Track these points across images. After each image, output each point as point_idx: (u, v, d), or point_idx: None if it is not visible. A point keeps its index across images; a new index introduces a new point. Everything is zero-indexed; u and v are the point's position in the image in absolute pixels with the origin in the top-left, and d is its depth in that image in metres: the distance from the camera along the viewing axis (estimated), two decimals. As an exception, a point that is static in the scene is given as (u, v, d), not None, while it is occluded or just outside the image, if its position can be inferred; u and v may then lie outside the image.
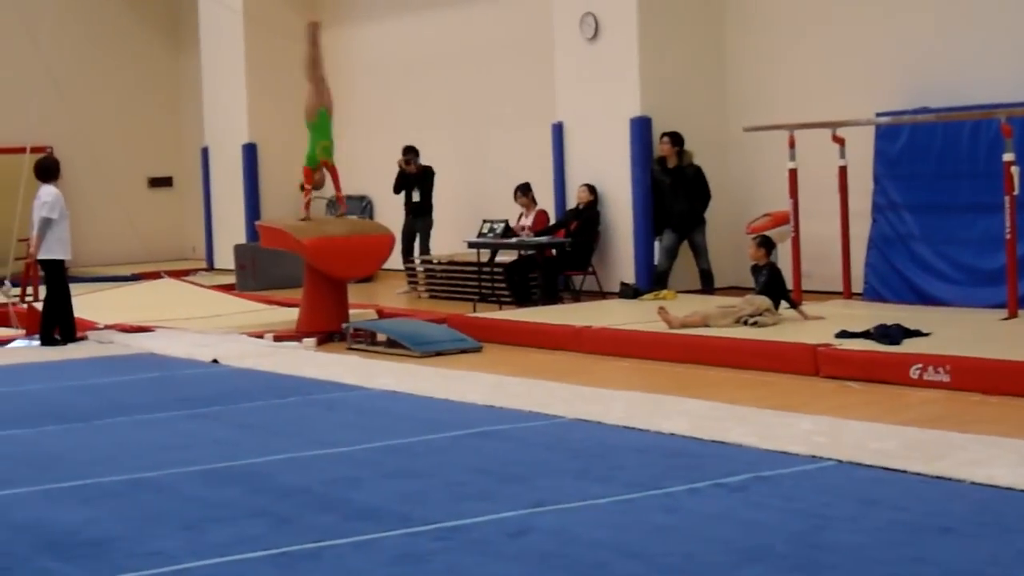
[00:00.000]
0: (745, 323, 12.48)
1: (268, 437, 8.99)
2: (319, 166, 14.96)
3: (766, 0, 16.37)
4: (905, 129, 14.27)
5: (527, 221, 17.20)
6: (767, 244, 13.17)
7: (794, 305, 12.91)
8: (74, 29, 25.20)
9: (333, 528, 6.45)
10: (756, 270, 13.14)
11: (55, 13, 24.76)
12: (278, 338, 14.22)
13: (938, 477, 7.04)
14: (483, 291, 16.64)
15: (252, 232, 20.13)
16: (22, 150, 22.40)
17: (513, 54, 19.47)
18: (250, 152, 22.86)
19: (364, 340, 13.72)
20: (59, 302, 14.27)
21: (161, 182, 26.60)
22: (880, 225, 14.52)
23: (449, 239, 18.91)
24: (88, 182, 24.20)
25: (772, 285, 12.86)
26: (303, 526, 6.52)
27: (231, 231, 22.84)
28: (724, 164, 16.52)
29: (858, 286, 14.62)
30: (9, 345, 14.49)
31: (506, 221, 17.34)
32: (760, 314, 12.55)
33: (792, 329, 12.19)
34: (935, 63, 14.46)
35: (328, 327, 14.35)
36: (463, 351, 13.18)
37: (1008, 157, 12.42)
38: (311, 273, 14.71)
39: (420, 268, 18.61)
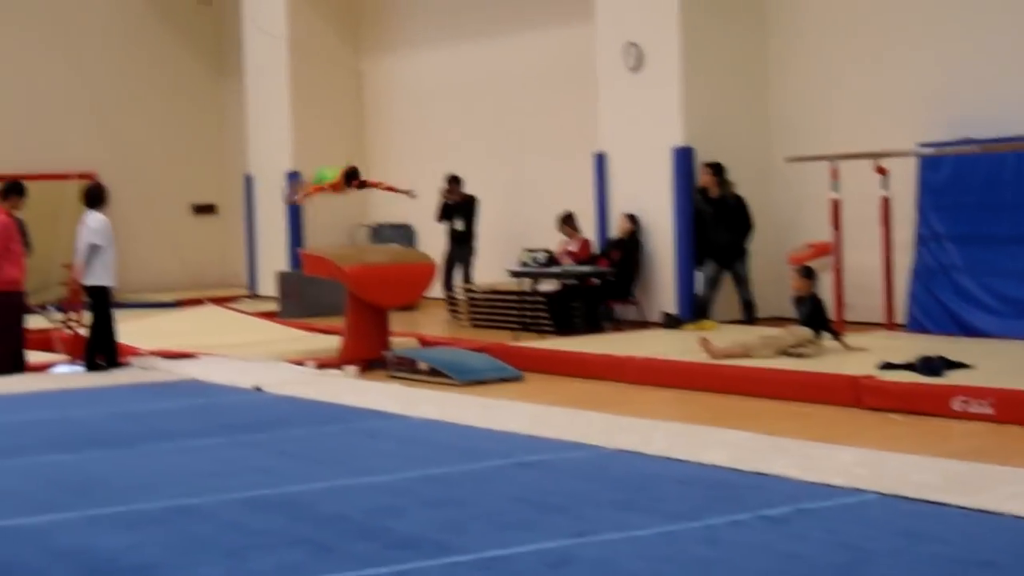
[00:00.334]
0: (787, 354, 12.45)
1: (310, 465, 9.01)
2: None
3: (809, 31, 16.38)
4: (948, 160, 14.23)
5: (573, 247, 17.20)
6: (810, 274, 13.14)
7: (836, 336, 12.87)
8: (118, 55, 25.36)
9: (373, 557, 6.45)
10: (798, 301, 13.10)
11: (99, 40, 25.06)
12: (320, 366, 14.26)
13: (980, 510, 6.99)
14: (525, 320, 16.65)
15: (295, 259, 20.20)
16: (65, 176, 22.62)
17: (556, 83, 19.52)
18: (293, 180, 22.93)
19: (405, 368, 13.75)
20: (104, 328, 14.37)
21: (205, 209, 26.67)
22: (923, 256, 14.47)
23: (490, 267, 18.94)
24: (132, 209, 24.26)
25: (814, 316, 12.82)
26: (343, 555, 6.53)
27: (274, 258, 22.93)
28: (766, 194, 16.50)
29: (900, 317, 14.56)
30: (53, 370, 14.58)
31: (549, 251, 17.35)
32: (802, 345, 12.52)
33: (834, 360, 12.14)
34: (978, 93, 14.42)
35: (370, 355, 14.38)
36: (504, 380, 13.19)
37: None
38: (353, 301, 14.76)
39: (462, 296, 18.64)
